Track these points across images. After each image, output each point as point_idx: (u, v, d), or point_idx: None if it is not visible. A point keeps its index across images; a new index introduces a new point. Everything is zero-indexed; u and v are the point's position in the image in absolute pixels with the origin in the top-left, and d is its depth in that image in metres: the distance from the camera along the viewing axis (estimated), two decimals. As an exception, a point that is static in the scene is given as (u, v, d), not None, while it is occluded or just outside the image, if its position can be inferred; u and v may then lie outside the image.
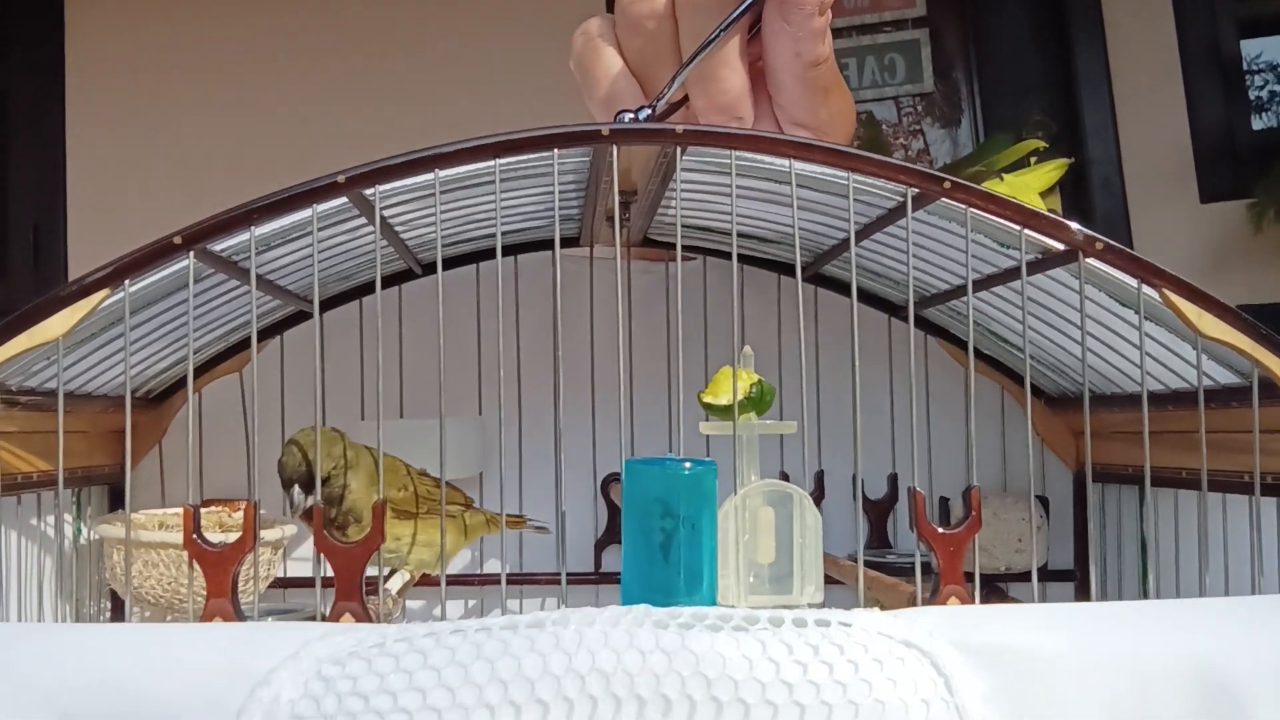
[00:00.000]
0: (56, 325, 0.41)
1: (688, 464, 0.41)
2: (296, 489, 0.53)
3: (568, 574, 0.67)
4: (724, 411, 0.45)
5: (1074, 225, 0.43)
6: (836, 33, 2.59)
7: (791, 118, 0.57)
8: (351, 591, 0.41)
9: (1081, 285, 0.44)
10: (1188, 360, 0.51)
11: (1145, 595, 0.61)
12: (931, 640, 0.38)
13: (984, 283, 0.52)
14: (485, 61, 2.48)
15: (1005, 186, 1.08)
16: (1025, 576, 0.64)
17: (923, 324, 0.66)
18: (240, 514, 0.61)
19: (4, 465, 0.51)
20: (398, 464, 0.59)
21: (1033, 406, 0.66)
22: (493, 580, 0.69)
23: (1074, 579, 0.67)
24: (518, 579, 0.69)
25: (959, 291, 0.59)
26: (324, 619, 0.42)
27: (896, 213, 0.49)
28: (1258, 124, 2.42)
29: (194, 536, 0.41)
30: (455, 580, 0.69)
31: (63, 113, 2.70)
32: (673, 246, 0.66)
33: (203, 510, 0.60)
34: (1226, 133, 2.37)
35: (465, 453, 0.65)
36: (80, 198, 2.67)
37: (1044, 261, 0.46)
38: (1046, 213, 0.43)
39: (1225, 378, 0.50)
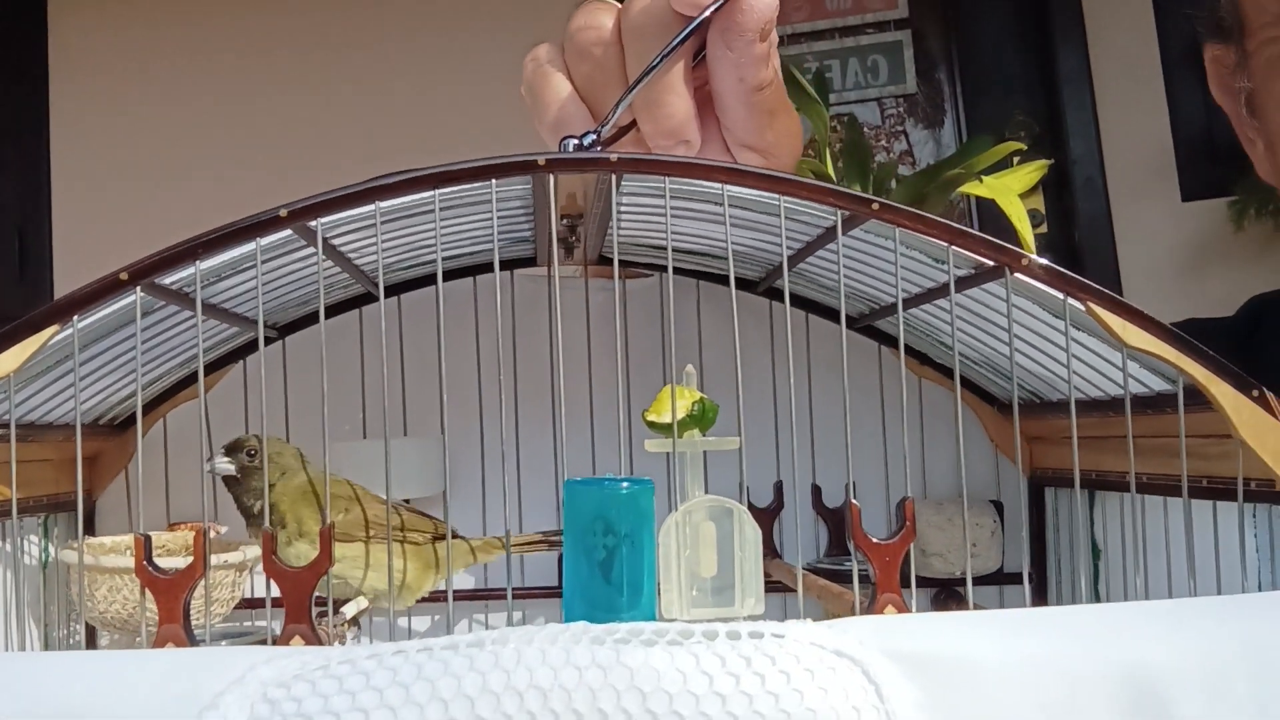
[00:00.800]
0: (7, 362, 0.42)
1: (625, 483, 0.42)
2: (221, 456, 0.57)
3: (533, 588, 0.68)
4: (667, 429, 0.46)
5: (998, 242, 0.44)
6: (818, 35, 2.61)
7: (739, 140, 0.58)
8: (300, 614, 0.42)
9: (1009, 298, 0.46)
10: (1131, 371, 0.52)
11: (1096, 598, 0.62)
12: (862, 649, 0.40)
13: (920, 298, 0.54)
14: (468, 61, 2.49)
15: (985, 188, 1.08)
16: (981, 581, 0.65)
17: (876, 334, 0.68)
18: (212, 536, 0.62)
19: (-34, 496, 0.52)
20: (344, 485, 0.60)
21: (985, 413, 0.68)
22: (464, 597, 0.70)
23: (1031, 582, 0.68)
24: (484, 595, 0.70)
25: (926, 297, 0.60)
26: (275, 641, 0.43)
27: (832, 232, 0.50)
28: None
29: (145, 564, 0.42)
30: (425, 599, 0.70)
31: (46, 119, 2.69)
32: (628, 264, 0.67)
33: (170, 533, 0.61)
34: (1207, 131, 2.39)
35: (427, 471, 0.66)
36: (65, 204, 2.66)
37: (974, 277, 0.47)
38: (971, 230, 0.44)
39: (1160, 385, 0.51)
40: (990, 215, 0.90)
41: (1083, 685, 0.40)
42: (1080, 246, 2.41)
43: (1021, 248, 0.88)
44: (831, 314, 0.68)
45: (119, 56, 2.64)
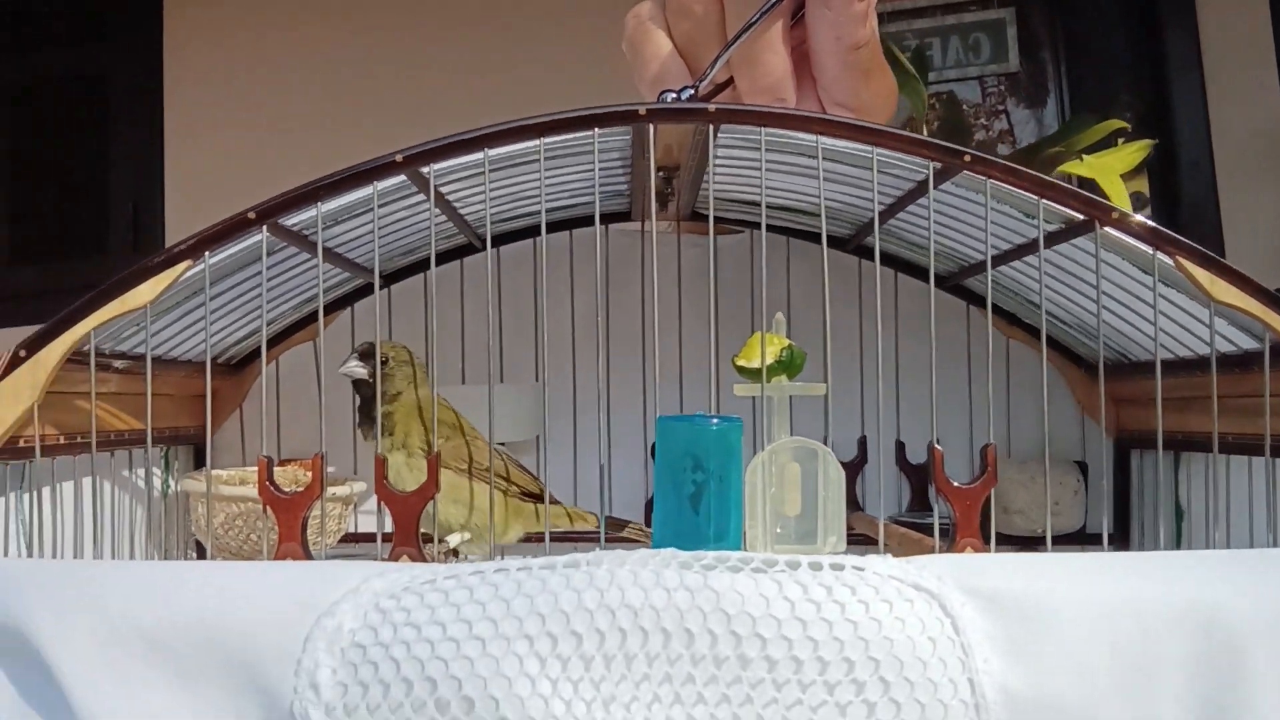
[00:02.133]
0: (144, 293, 0.45)
1: (715, 420, 0.44)
2: (355, 359, 0.62)
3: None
4: (756, 374, 0.48)
5: (1087, 195, 0.45)
6: (919, 12, 2.57)
7: (834, 99, 0.59)
8: (408, 537, 0.45)
9: (1098, 251, 0.46)
10: (1218, 329, 0.52)
11: (1178, 557, 0.62)
12: (940, 584, 0.41)
13: (1010, 254, 0.54)
14: (559, 34, 2.51)
15: (1085, 168, 1.07)
16: (1062, 540, 0.66)
17: (964, 293, 0.68)
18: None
19: (100, 423, 0.56)
20: (449, 413, 0.63)
21: (1072, 374, 0.68)
22: (558, 538, 0.73)
23: (1112, 543, 0.68)
24: (576, 537, 0.72)
25: (1011, 255, 0.61)
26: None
27: (923, 186, 0.51)
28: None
29: (267, 484, 0.45)
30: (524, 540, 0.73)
31: (160, 94, 2.79)
32: (721, 220, 0.69)
33: (280, 468, 0.65)
34: (1324, 118, 2.31)
35: (521, 417, 0.69)
36: (177, 177, 2.76)
37: (1064, 231, 0.48)
38: (1060, 183, 0.45)
39: (1249, 344, 0.51)
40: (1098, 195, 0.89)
41: (1155, 627, 0.41)
42: (1185, 230, 2.35)
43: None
44: (920, 272, 0.69)
45: (230, 37, 2.72)
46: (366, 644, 0.40)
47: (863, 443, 0.70)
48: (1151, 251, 0.45)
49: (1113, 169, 1.14)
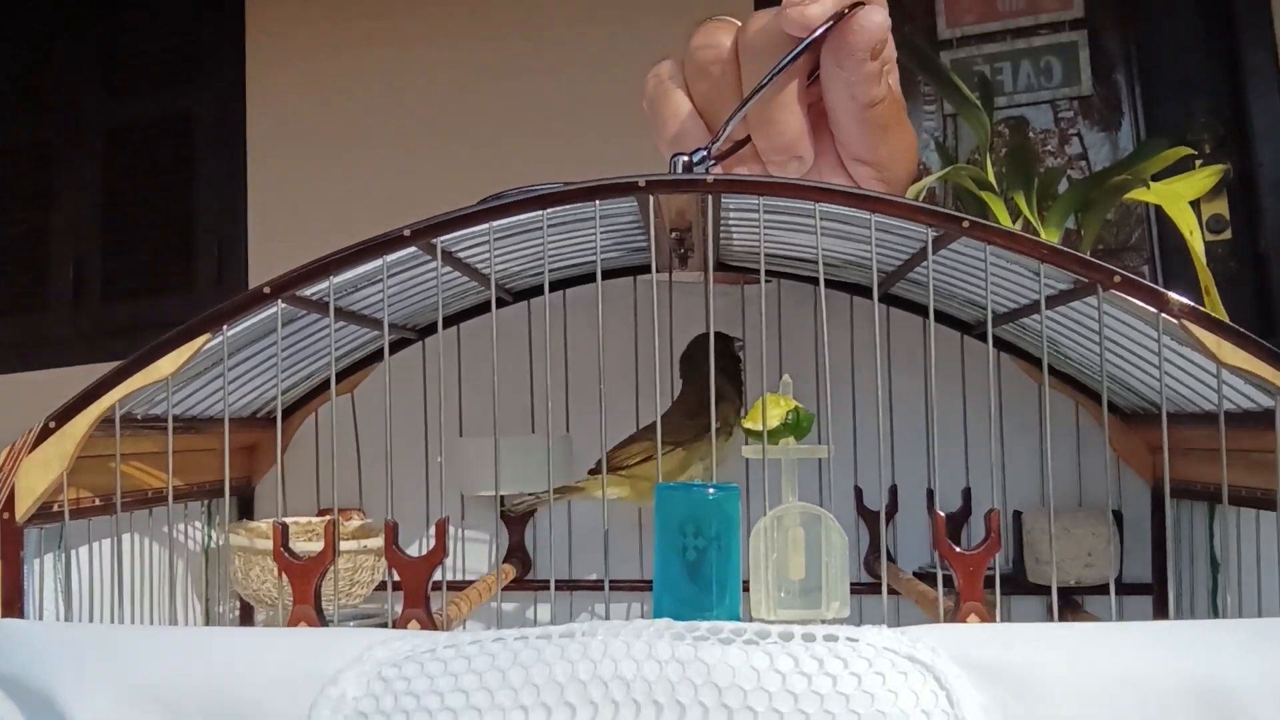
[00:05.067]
0: (165, 366, 0.47)
1: (712, 489, 0.44)
2: None
3: (621, 580, 0.71)
4: (762, 436, 0.48)
5: (1089, 259, 0.45)
6: (988, 37, 2.55)
7: (852, 154, 0.59)
8: (417, 600, 0.46)
9: (1100, 313, 0.46)
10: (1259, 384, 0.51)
11: (1215, 613, 0.61)
12: (934, 656, 0.41)
13: (1026, 309, 0.54)
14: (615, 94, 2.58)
15: (1153, 195, 1.05)
16: (1098, 590, 0.65)
17: (995, 342, 0.68)
18: (354, 522, 0.68)
19: (138, 482, 0.58)
20: None
21: (1109, 422, 0.67)
22: (564, 586, 0.74)
23: (1150, 593, 0.67)
24: (579, 585, 0.73)
25: (1024, 311, 0.61)
26: (394, 624, 0.47)
27: (934, 245, 0.51)
28: None
29: (282, 549, 0.47)
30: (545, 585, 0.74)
31: (244, 133, 2.90)
32: (746, 271, 0.69)
33: (316, 519, 0.67)
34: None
35: (553, 466, 0.70)
36: (260, 213, 2.88)
37: (1069, 293, 0.47)
38: (1062, 248, 0.45)
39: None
40: (1171, 222, 0.88)
41: (1154, 700, 0.40)
42: (1266, 253, 2.29)
43: (1190, 255, 0.87)
44: (948, 320, 0.69)
45: (310, 79, 2.85)
46: (369, 712, 0.41)
47: (894, 491, 0.70)
48: (1156, 313, 0.45)
49: (1181, 196, 1.11)
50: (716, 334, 0.62)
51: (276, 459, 0.71)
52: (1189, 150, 1.15)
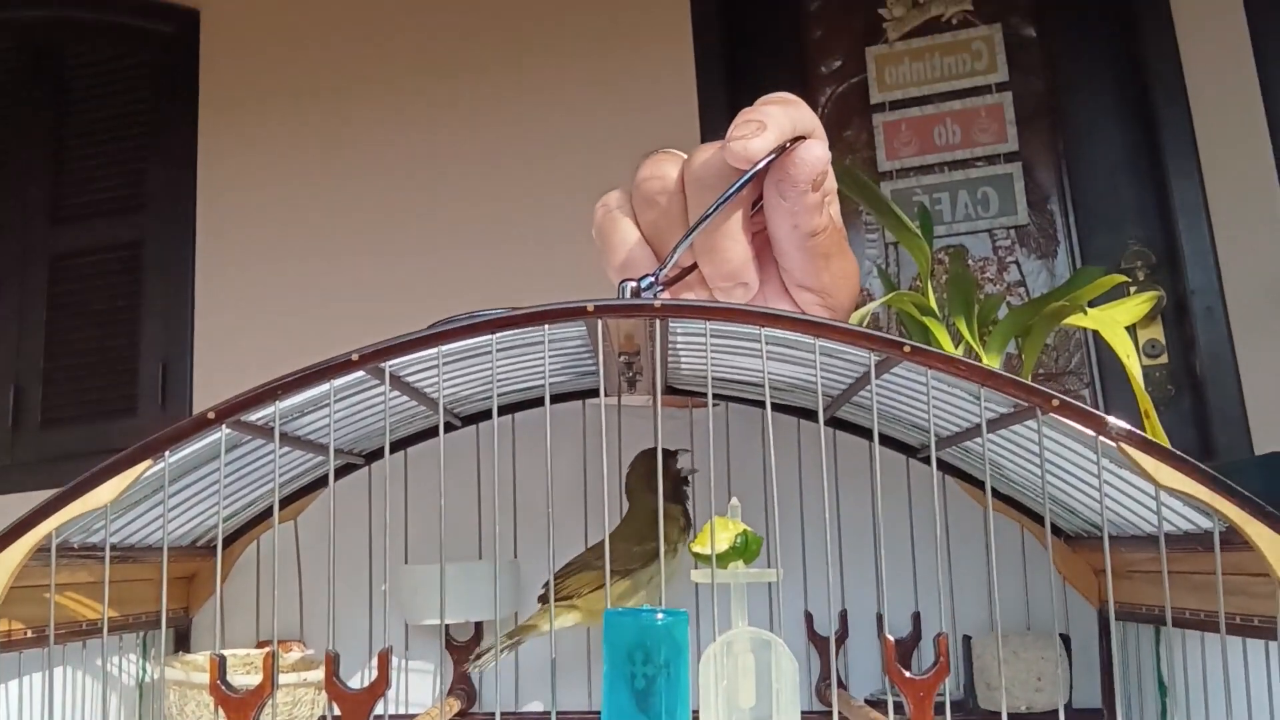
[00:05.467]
0: (105, 493, 0.46)
1: (660, 615, 0.44)
2: None
3: (568, 712, 0.70)
4: (711, 560, 0.48)
5: (1028, 383, 0.46)
6: (928, 169, 2.64)
7: (796, 281, 0.61)
8: (357, 734, 0.45)
9: (1040, 437, 0.47)
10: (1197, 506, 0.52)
11: (1165, 735, 0.61)
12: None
13: (968, 433, 0.55)
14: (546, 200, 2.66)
15: (1090, 320, 1.08)
16: (1049, 715, 0.64)
17: (940, 465, 0.69)
18: (294, 654, 0.66)
19: (72, 614, 0.56)
20: None
21: (1054, 545, 0.68)
22: (532, 718, 0.72)
23: (1100, 718, 0.67)
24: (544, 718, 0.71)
25: (966, 435, 0.62)
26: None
27: (881, 365, 0.52)
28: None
29: (218, 682, 0.45)
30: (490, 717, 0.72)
31: (192, 261, 2.91)
32: (694, 394, 0.70)
33: (255, 651, 0.65)
34: (1333, 261, 2.32)
35: (501, 593, 0.69)
36: (206, 341, 2.88)
37: (1009, 416, 0.48)
38: (1000, 373, 0.45)
39: (1208, 524, 0.51)
40: (1109, 347, 0.90)
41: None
42: (1202, 377, 2.35)
43: (1128, 379, 0.88)
44: (893, 443, 0.69)
45: (261, 207, 2.90)
46: None
47: (844, 616, 0.69)
48: (1093, 435, 0.45)
49: (1117, 321, 1.14)
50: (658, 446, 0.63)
51: (216, 589, 0.69)
52: (1123, 277, 1.18)
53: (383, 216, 2.79)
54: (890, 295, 0.97)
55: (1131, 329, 1.14)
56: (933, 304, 0.99)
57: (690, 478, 0.67)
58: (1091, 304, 1.10)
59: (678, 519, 0.66)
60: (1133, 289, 2.45)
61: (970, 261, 2.60)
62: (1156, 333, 2.45)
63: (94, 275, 2.98)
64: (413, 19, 2.90)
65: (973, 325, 0.93)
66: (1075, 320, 1.04)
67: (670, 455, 0.67)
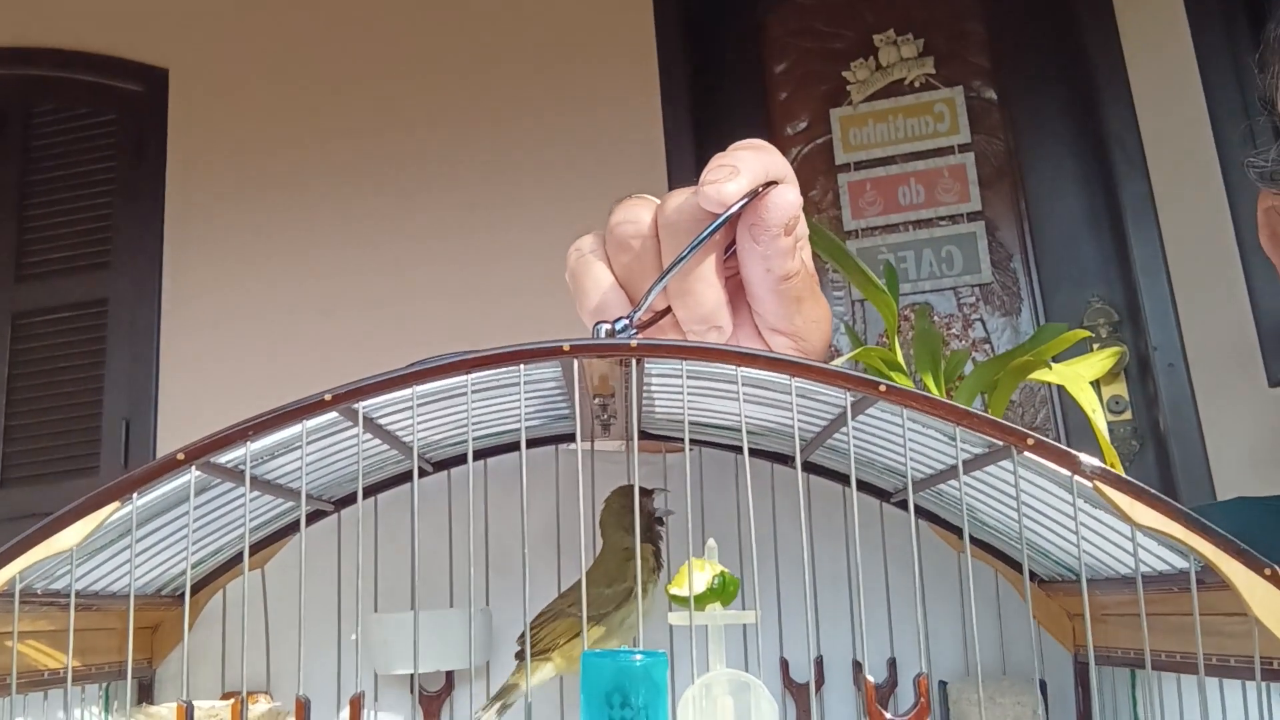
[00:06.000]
0: (69, 537, 0.45)
1: (639, 656, 0.43)
2: None
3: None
4: (688, 602, 0.48)
5: (1003, 423, 0.46)
6: (893, 227, 2.68)
7: (769, 325, 0.61)
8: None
9: (1016, 476, 0.47)
10: (1171, 546, 0.52)
11: (1144, 781, 0.60)
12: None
13: (944, 474, 0.55)
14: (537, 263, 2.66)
15: (1055, 375, 1.09)
16: (1027, 762, 0.64)
17: (914, 509, 0.68)
18: (260, 705, 0.65)
19: (33, 663, 0.55)
20: None
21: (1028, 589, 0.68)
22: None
23: (1076, 765, 0.66)
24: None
25: (941, 476, 0.62)
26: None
27: (857, 405, 0.52)
28: (1321, 307, 2.41)
29: (185, 731, 0.44)
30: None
31: (158, 318, 2.90)
32: (668, 439, 0.70)
33: (220, 703, 0.64)
34: (1292, 317, 2.37)
35: (473, 642, 0.68)
36: (170, 399, 2.85)
37: (984, 456, 0.48)
38: (976, 412, 0.46)
39: (1183, 564, 0.51)
40: (1074, 402, 0.91)
41: None
42: (1166, 432, 2.37)
43: (1094, 434, 0.89)
44: (867, 488, 0.69)
45: (225, 266, 2.89)
46: None
47: (819, 663, 0.69)
48: (1069, 475, 0.46)
49: (1082, 376, 1.15)
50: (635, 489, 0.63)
51: (183, 638, 0.68)
52: (1087, 333, 1.20)
53: (351, 275, 2.80)
54: (858, 350, 0.98)
55: (1096, 385, 1.15)
56: (900, 359, 0.99)
57: (665, 519, 0.66)
58: (1056, 359, 1.11)
59: (648, 559, 0.66)
60: (1096, 345, 2.49)
61: (935, 318, 2.63)
62: (1120, 389, 2.48)
63: (57, 333, 2.96)
64: (380, 73, 2.92)
65: (939, 380, 0.94)
66: (1041, 375, 1.05)
67: (646, 494, 0.66)
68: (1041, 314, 2.57)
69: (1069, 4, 2.62)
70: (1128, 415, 2.46)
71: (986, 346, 2.57)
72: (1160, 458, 2.39)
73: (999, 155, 2.67)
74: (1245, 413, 2.34)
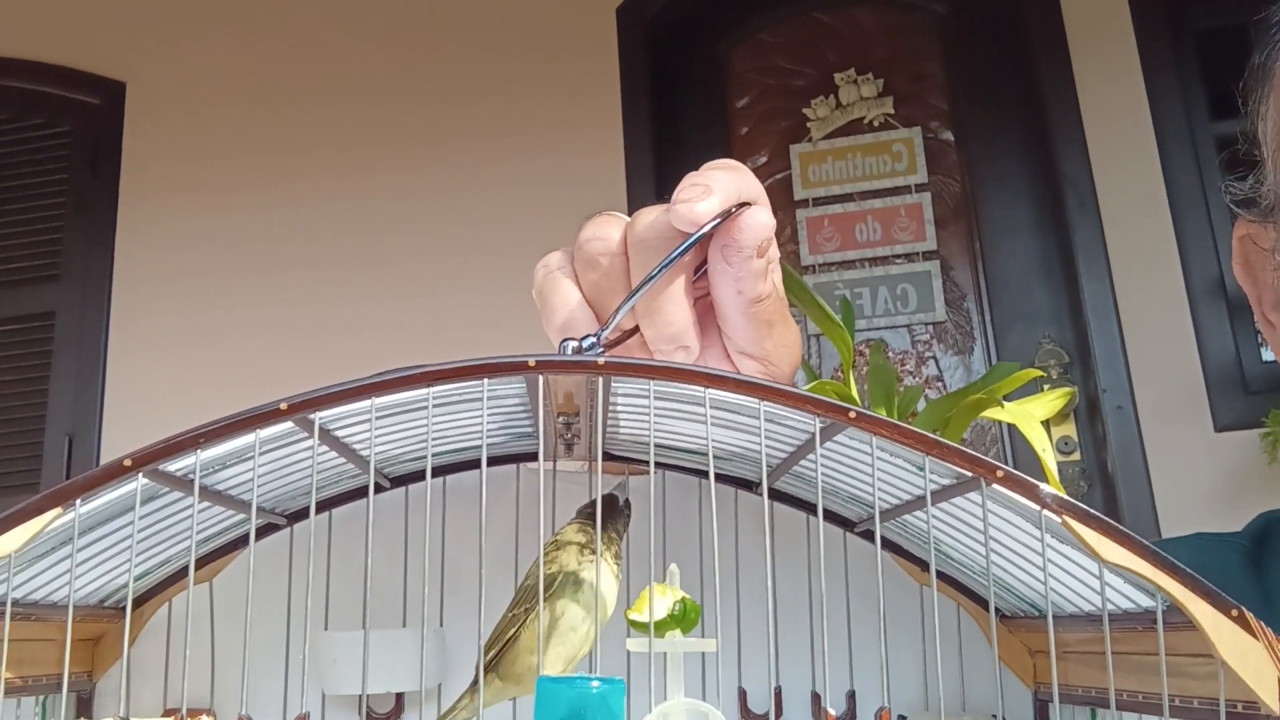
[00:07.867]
0: (8, 543, 0.43)
1: (596, 682, 0.42)
2: None
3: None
4: (647, 628, 0.47)
5: (972, 453, 0.45)
6: (850, 264, 2.69)
7: (738, 348, 0.61)
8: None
9: (985, 508, 0.46)
10: (1137, 584, 0.52)
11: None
12: None
13: (909, 505, 0.54)
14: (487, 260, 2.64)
15: (1007, 414, 1.09)
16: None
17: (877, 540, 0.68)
18: (202, 724, 0.63)
19: (-37, 674, 0.53)
20: None
21: (988, 625, 0.67)
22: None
23: (1034, 804, 0.66)
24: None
25: (908, 506, 0.61)
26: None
27: (825, 431, 0.51)
28: (1268, 355, 2.46)
29: (122, 748, 0.43)
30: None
31: (106, 333, 2.85)
32: (633, 461, 0.69)
33: (163, 719, 0.62)
34: (1237, 362, 2.41)
35: (426, 662, 0.66)
36: (116, 414, 2.80)
37: (952, 487, 0.48)
38: (946, 442, 0.45)
39: (1150, 603, 0.50)
40: (1024, 442, 0.91)
41: None
42: (1114, 474, 2.40)
43: (1044, 474, 0.89)
44: (831, 517, 0.68)
45: (177, 280, 2.84)
46: None
47: (779, 694, 0.68)
48: (1037, 510, 0.45)
49: (1033, 416, 1.16)
50: (608, 497, 0.61)
51: (123, 652, 0.66)
52: (1039, 372, 1.21)
53: (307, 293, 2.76)
54: (813, 384, 0.98)
55: (1046, 426, 1.16)
56: (854, 394, 0.99)
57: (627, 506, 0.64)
58: (1007, 398, 1.11)
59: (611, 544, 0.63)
60: (1046, 386, 2.52)
61: (890, 355, 2.65)
62: (1070, 430, 2.50)
63: (2, 345, 2.90)
64: (341, 90, 2.90)
65: (893, 415, 0.94)
66: (992, 414, 1.06)
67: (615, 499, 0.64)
68: (994, 353, 2.59)
69: (1026, 49, 2.67)
70: (1076, 456, 2.48)
71: (939, 384, 2.59)
72: (1108, 498, 2.41)
73: (955, 196, 2.70)
74: (1192, 456, 2.37)
